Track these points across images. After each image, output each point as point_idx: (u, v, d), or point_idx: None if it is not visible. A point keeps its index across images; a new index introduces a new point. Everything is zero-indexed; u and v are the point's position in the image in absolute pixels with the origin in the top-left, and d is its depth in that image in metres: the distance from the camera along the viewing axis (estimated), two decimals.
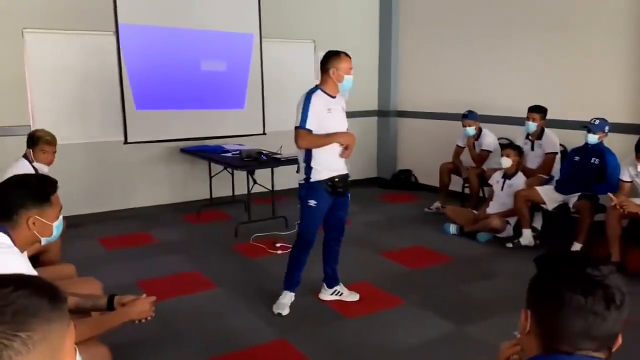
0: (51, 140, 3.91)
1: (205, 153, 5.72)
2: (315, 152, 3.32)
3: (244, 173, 5.37)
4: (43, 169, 3.85)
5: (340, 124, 3.39)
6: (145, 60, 5.89)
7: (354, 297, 3.68)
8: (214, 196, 6.24)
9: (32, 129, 5.21)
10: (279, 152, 5.41)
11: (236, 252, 4.75)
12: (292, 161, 5.20)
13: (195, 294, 3.84)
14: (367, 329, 3.29)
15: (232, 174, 6.10)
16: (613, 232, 4.05)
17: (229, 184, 6.19)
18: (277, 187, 5.51)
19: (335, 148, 3.36)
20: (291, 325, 3.34)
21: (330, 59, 3.35)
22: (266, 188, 5.38)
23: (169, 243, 5.02)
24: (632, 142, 3.88)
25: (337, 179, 3.39)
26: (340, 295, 3.69)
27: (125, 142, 5.87)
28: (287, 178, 6.05)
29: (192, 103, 6.20)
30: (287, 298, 3.54)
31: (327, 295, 3.71)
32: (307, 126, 3.26)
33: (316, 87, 3.38)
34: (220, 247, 4.89)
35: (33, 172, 3.61)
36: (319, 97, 3.30)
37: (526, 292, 1.10)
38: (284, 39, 6.72)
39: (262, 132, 6.65)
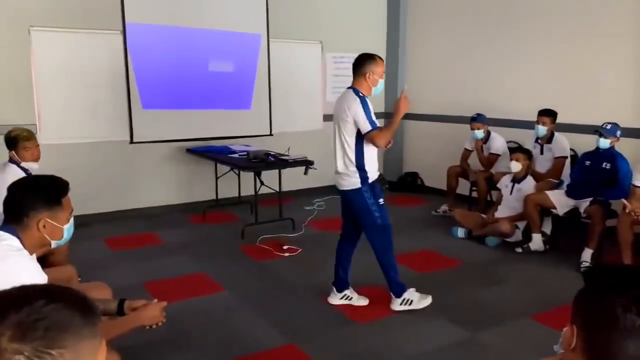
0: (29, 136, 3.76)
1: (211, 154, 5.69)
2: (366, 157, 3.36)
3: (251, 174, 5.33)
4: (32, 166, 3.72)
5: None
6: (152, 60, 5.86)
7: (364, 301, 3.64)
8: (220, 197, 6.20)
9: (38, 128, 5.21)
10: (286, 153, 5.37)
11: (243, 254, 4.71)
12: (299, 162, 5.18)
13: (203, 296, 3.80)
14: (378, 334, 3.25)
15: (239, 175, 6.06)
16: (625, 239, 3.99)
17: (235, 185, 6.15)
18: (284, 189, 5.47)
19: (375, 151, 3.42)
20: (301, 330, 3.30)
21: (366, 62, 3.35)
22: (273, 189, 5.34)
23: (175, 244, 4.98)
24: None
25: (381, 178, 3.53)
26: (350, 299, 3.65)
27: (132, 141, 5.84)
28: (294, 179, 6.04)
29: (198, 103, 6.17)
30: (414, 294, 3.56)
31: (336, 299, 3.66)
32: (377, 125, 3.32)
33: (356, 90, 3.34)
34: (226, 248, 4.85)
35: (25, 175, 3.51)
36: (368, 99, 3.35)
37: (572, 305, 1.04)
38: (291, 39, 6.68)
39: (269, 133, 6.62)
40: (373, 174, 3.41)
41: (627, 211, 3.88)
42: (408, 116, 7.39)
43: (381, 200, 3.42)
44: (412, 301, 3.54)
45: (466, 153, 5.94)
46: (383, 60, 3.42)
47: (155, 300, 2.27)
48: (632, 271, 1.01)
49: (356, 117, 3.25)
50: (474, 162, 5.87)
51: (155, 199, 6.05)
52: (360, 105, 3.25)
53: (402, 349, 3.07)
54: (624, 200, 3.94)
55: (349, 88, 3.39)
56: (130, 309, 2.23)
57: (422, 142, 7.26)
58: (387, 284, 3.56)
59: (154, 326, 2.22)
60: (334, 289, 3.68)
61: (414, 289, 3.59)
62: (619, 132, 4.41)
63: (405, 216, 5.95)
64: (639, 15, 4.74)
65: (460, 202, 5.98)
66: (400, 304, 3.52)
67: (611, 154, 4.42)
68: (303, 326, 3.35)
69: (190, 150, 5.97)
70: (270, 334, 3.24)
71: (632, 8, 4.79)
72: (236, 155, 5.46)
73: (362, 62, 3.35)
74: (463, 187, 6.00)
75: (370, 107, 3.30)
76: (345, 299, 3.65)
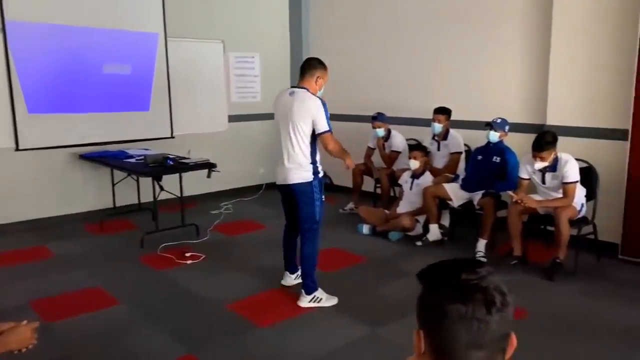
0: None
1: (107, 159, 5.37)
2: (318, 152, 3.56)
3: (150, 180, 5.09)
4: None
5: None
6: (38, 61, 5.45)
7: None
8: (117, 205, 5.89)
9: None
10: (187, 156, 5.19)
11: (142, 264, 4.49)
12: (201, 166, 5.02)
13: (96, 311, 3.57)
14: (280, 337, 3.20)
15: (138, 181, 5.79)
16: (514, 228, 4.23)
17: (134, 191, 5.87)
18: (187, 193, 5.28)
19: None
20: (200, 339, 3.18)
21: (318, 66, 3.53)
22: (174, 195, 5.14)
23: (68, 257, 4.66)
24: (530, 141, 4.07)
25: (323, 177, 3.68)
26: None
27: (17, 149, 5.39)
28: (197, 184, 5.86)
29: (92, 105, 5.82)
30: (323, 293, 3.62)
31: (291, 280, 3.91)
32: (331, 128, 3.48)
33: (308, 90, 3.49)
34: (124, 259, 4.61)
35: None
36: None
37: (416, 310, 1.05)
38: (191, 38, 6.48)
39: (170, 135, 6.37)
40: (320, 169, 3.59)
41: (513, 201, 4.11)
42: None
43: (323, 197, 3.58)
44: (321, 299, 3.59)
45: (369, 151, 6.05)
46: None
47: (25, 321, 2.07)
48: (454, 263, 1.02)
49: (317, 117, 3.40)
50: (377, 159, 5.99)
51: (46, 210, 5.63)
52: (322, 107, 3.41)
53: (306, 349, 3.04)
54: (509, 192, 4.17)
55: (300, 88, 3.50)
56: None
57: None
58: (302, 279, 3.63)
59: (23, 350, 2.03)
60: (287, 272, 3.91)
61: (321, 289, 3.64)
62: (507, 127, 4.67)
63: None
64: (527, 18, 5.04)
65: (365, 199, 6.09)
66: (310, 301, 3.57)
67: (500, 148, 4.67)
68: (203, 335, 3.23)
69: (83, 157, 5.61)
70: (168, 346, 3.09)
71: (520, 11, 5.08)
72: (133, 160, 5.20)
73: (315, 66, 3.53)
74: (368, 184, 6.11)
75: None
76: (298, 278, 3.82)
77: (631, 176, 4.23)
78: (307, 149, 3.49)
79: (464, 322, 0.94)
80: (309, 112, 3.41)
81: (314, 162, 3.53)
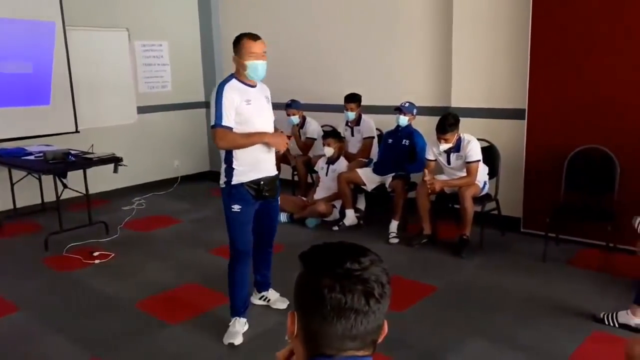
0: None
1: (2, 157, 4.99)
2: (237, 151, 2.91)
3: (52, 178, 4.78)
4: None
5: (264, 116, 3.01)
6: None
7: (283, 303, 3.37)
8: (18, 206, 5.51)
9: None
10: (90, 151, 4.93)
11: (45, 266, 4.23)
12: (105, 161, 4.79)
13: None
14: (194, 333, 3.12)
15: (40, 179, 5.43)
16: (423, 208, 4.37)
17: (37, 190, 5.51)
18: (93, 190, 5.03)
19: (261, 146, 2.97)
20: (106, 342, 3.04)
21: (234, 45, 2.94)
22: (80, 192, 4.87)
23: None
24: (437, 123, 4.20)
25: (262, 182, 2.98)
26: (268, 301, 3.42)
27: None
28: (104, 180, 5.60)
29: None
30: (239, 325, 3.04)
31: (255, 299, 3.43)
32: (224, 123, 2.83)
33: (231, 76, 2.96)
34: (26, 263, 4.32)
35: None
36: (232, 88, 2.89)
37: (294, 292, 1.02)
38: (92, 26, 6.13)
39: (74, 129, 6.02)
40: (246, 174, 2.94)
41: (425, 180, 4.22)
42: None
43: (236, 207, 2.95)
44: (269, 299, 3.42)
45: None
46: (255, 39, 2.92)
47: None
48: (340, 249, 1.01)
49: (211, 107, 2.91)
50: (293, 147, 5.97)
51: None
52: (216, 95, 2.86)
53: (218, 345, 2.98)
54: (425, 171, 4.28)
55: None
56: None
57: None
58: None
59: None
60: (255, 290, 3.45)
61: (243, 322, 3.11)
62: (415, 110, 4.80)
63: None
64: (429, 5, 5.16)
65: (283, 187, 6.03)
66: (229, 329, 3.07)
67: (409, 132, 4.79)
68: (110, 337, 3.09)
69: None
70: (72, 352, 2.94)
71: (419, 3, 5.20)
72: (32, 157, 4.87)
73: (233, 45, 2.96)
74: (285, 172, 6.07)
75: (230, 98, 2.85)
76: (264, 300, 3.43)
77: (529, 154, 4.47)
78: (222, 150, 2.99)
79: (341, 311, 0.92)
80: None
81: (228, 165, 2.95)
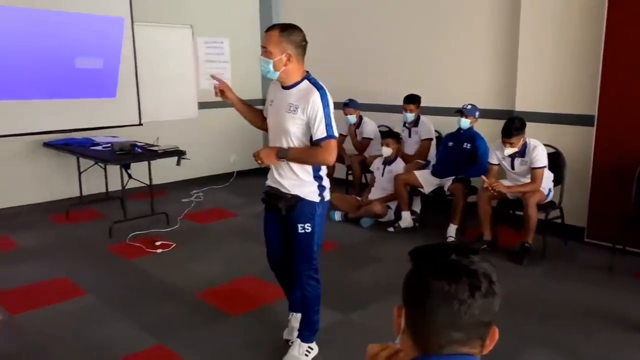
0: None
1: (72, 147, 5.22)
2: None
3: (118, 168, 4.96)
4: None
5: (270, 123, 2.73)
6: (0, 45, 5.23)
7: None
8: (84, 194, 5.74)
9: None
10: (155, 143, 5.08)
11: (111, 253, 4.39)
12: (170, 153, 4.93)
13: (62, 302, 3.48)
14: (252, 325, 3.17)
15: (105, 169, 5.64)
16: (484, 212, 4.28)
17: (102, 179, 5.72)
18: (156, 182, 5.18)
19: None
20: (170, 329, 3.13)
21: None
22: (143, 183, 5.03)
23: (33, 247, 4.53)
24: (500, 127, 4.10)
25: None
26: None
27: None
28: (166, 172, 5.75)
29: (57, 92, 5.63)
30: (294, 321, 2.93)
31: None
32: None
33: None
34: (92, 249, 4.50)
35: None
36: (272, 84, 2.72)
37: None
38: (158, 23, 6.32)
39: (138, 122, 6.23)
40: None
41: (485, 186, 4.15)
42: None
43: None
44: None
45: (341, 138, 6.01)
46: (267, 33, 2.59)
47: None
48: (448, 245, 1.02)
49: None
50: (348, 146, 5.98)
51: (10, 199, 5.45)
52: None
53: (277, 337, 3.02)
54: (483, 177, 4.21)
55: None
56: None
57: None
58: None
59: None
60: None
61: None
62: (477, 113, 4.71)
63: None
64: (496, 5, 5.06)
65: (337, 186, 6.05)
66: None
67: (471, 135, 4.72)
68: (173, 324, 3.18)
69: (47, 144, 5.44)
70: (137, 336, 3.03)
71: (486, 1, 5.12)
72: (100, 148, 5.07)
73: None
74: (339, 171, 6.10)
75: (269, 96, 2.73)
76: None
77: (597, 161, 4.32)
78: None
79: (445, 300, 0.93)
80: None
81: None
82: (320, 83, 2.62)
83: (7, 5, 5.22)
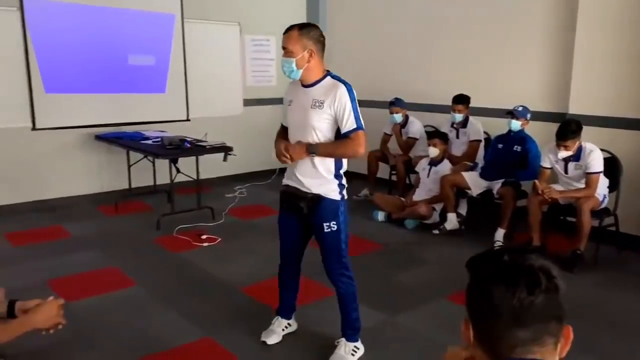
0: None
1: (123, 140, 5.36)
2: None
3: (166, 162, 5.06)
4: None
5: (292, 122, 2.69)
6: (56, 40, 5.43)
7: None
8: (133, 186, 5.89)
9: None
10: (204, 139, 5.17)
11: (158, 245, 4.49)
12: (218, 149, 5.00)
13: (113, 292, 3.58)
14: (297, 321, 3.17)
15: (153, 163, 5.77)
16: (534, 218, 4.16)
17: (150, 173, 5.86)
18: (203, 176, 5.27)
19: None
20: (217, 322, 3.17)
21: None
22: (190, 177, 5.12)
23: (84, 237, 4.67)
24: (552, 130, 4.00)
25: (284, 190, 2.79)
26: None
27: (34, 128, 5.40)
28: (214, 166, 5.85)
29: (108, 86, 5.79)
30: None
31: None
32: (283, 122, 2.74)
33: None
34: (140, 240, 4.61)
35: None
36: (290, 86, 2.72)
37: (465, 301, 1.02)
38: (207, 20, 6.42)
39: (185, 118, 6.35)
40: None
41: (538, 192, 4.03)
42: None
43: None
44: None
45: (386, 137, 5.99)
46: (286, 34, 2.56)
47: (51, 297, 2.06)
48: (504, 249, 1.01)
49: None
50: (393, 146, 5.93)
51: (62, 190, 5.64)
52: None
53: (321, 335, 3.02)
54: (535, 181, 4.10)
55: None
56: (21, 311, 2.03)
57: None
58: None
59: (51, 330, 2.02)
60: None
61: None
62: (529, 115, 4.60)
63: None
64: (552, 5, 4.93)
65: (380, 186, 6.04)
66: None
67: (521, 137, 4.60)
68: (220, 318, 3.23)
69: (99, 137, 5.60)
70: (185, 328, 3.09)
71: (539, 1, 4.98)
72: (150, 142, 5.18)
73: None
74: (383, 171, 6.06)
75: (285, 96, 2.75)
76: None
77: None
78: None
79: (506, 300, 0.92)
80: None
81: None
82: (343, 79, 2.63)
83: (65, 2, 5.39)
